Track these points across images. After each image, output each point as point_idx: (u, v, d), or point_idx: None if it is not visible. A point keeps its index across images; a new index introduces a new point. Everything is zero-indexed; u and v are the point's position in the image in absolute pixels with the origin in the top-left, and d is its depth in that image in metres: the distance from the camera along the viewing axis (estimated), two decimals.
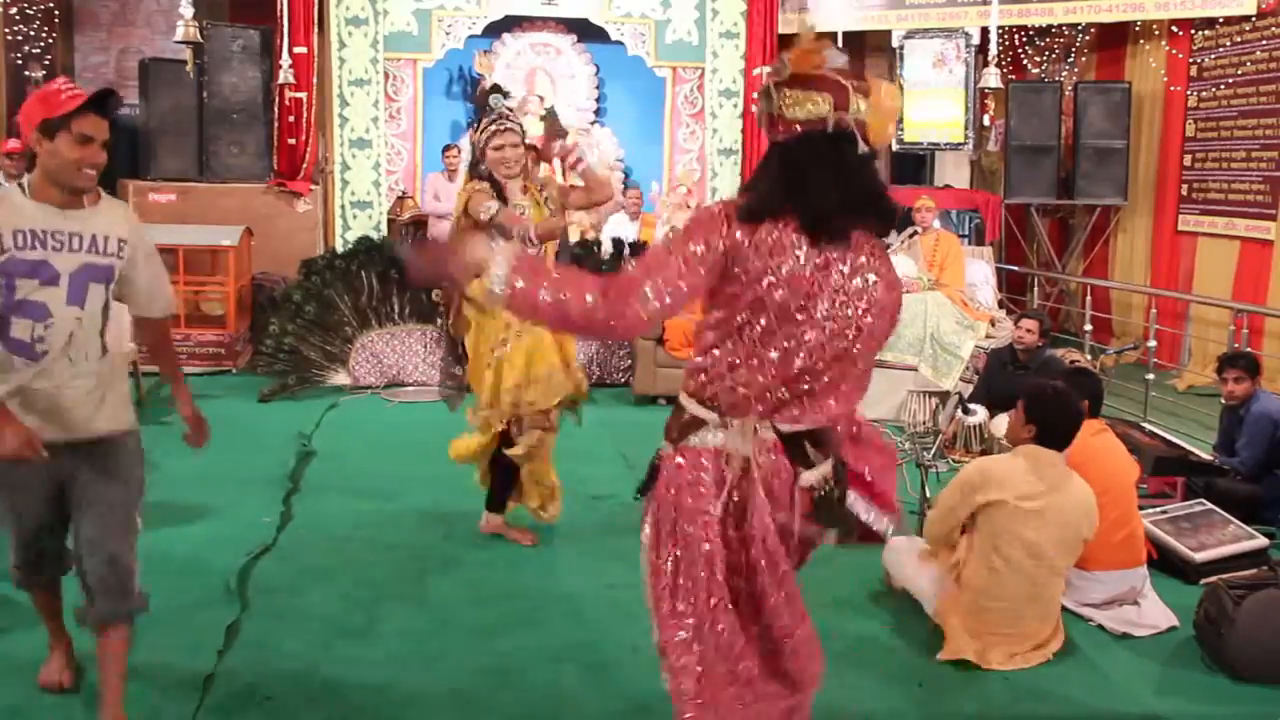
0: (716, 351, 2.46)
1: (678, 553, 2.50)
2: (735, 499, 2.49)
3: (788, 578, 2.59)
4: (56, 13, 10.46)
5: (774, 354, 2.42)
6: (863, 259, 2.46)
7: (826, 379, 2.47)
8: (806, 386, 2.46)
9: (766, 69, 2.60)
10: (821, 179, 2.40)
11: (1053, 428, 4.05)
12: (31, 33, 10.06)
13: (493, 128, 4.85)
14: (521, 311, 2.52)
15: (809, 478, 2.54)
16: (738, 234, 2.39)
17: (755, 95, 2.48)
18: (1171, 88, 10.12)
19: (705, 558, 2.47)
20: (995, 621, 3.99)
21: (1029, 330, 6.75)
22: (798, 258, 2.39)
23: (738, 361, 2.44)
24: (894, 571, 4.49)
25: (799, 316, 2.40)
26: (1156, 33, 10.21)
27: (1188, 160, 9.99)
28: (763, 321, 2.41)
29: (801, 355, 2.42)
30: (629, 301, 2.34)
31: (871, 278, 2.46)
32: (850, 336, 2.45)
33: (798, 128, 2.43)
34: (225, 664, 3.80)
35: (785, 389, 2.45)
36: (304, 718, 3.48)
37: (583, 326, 2.38)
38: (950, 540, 4.22)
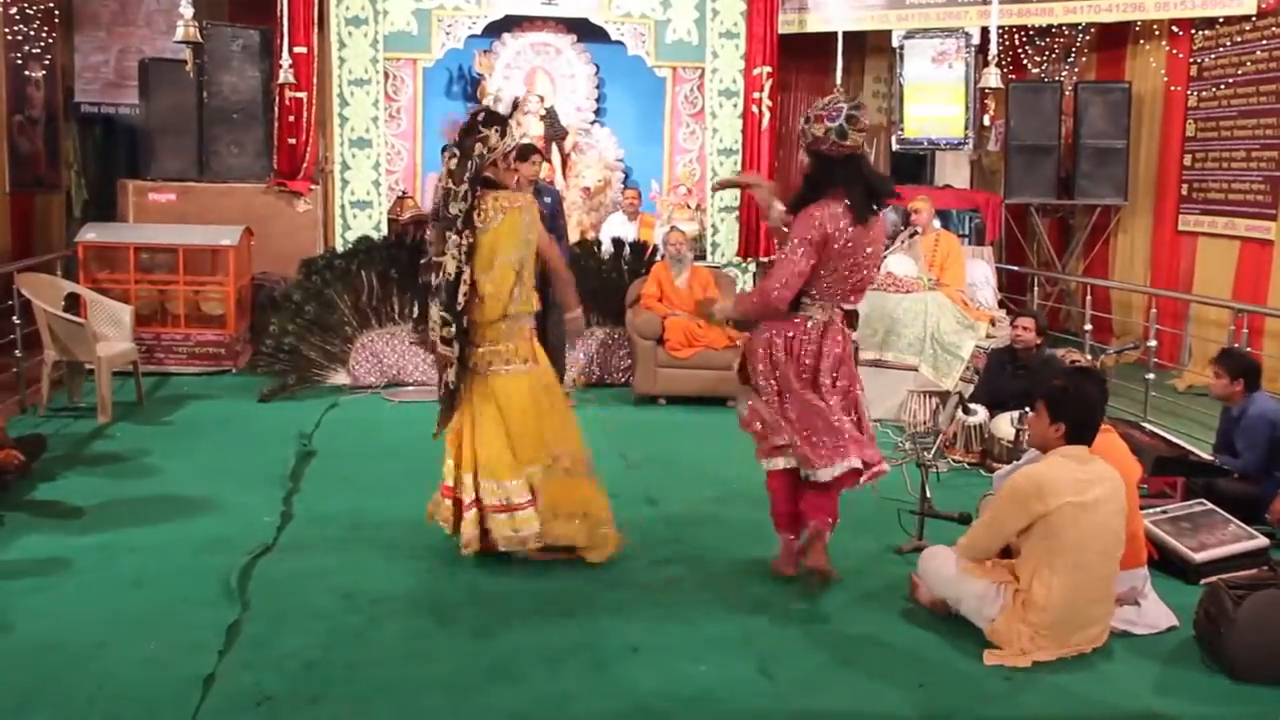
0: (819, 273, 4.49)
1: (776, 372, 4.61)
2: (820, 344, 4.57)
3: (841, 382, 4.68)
4: (56, 12, 10.46)
5: (842, 275, 4.51)
6: (876, 224, 4.57)
7: (858, 285, 4.61)
8: (852, 288, 4.58)
9: (844, 111, 4.44)
10: (867, 179, 4.56)
11: (1081, 422, 4.09)
12: (31, 32, 10.06)
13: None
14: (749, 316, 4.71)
15: (852, 333, 4.74)
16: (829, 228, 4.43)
17: (826, 126, 4.43)
18: (1171, 88, 10.11)
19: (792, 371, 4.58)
20: (1071, 630, 3.99)
21: (1025, 328, 6.74)
22: (849, 230, 4.44)
23: (825, 278, 4.50)
24: (935, 586, 4.33)
25: (852, 259, 4.50)
26: (1156, 33, 10.20)
27: (1188, 160, 9.99)
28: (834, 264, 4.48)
29: (852, 276, 4.54)
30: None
31: (876, 234, 4.59)
32: (869, 266, 4.61)
33: (846, 150, 4.46)
34: (225, 663, 3.80)
35: (845, 289, 4.57)
36: (304, 718, 3.48)
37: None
38: (992, 554, 4.18)
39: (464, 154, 4.68)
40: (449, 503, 4.88)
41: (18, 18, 9.92)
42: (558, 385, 5.05)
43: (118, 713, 3.46)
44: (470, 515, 4.77)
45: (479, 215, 4.66)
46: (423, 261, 4.88)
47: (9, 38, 9.95)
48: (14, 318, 7.41)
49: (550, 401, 4.89)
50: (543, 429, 4.81)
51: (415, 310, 4.97)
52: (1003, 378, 6.74)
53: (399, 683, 3.72)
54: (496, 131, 4.71)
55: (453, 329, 4.65)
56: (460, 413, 4.81)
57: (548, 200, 7.42)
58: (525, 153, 7.65)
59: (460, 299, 4.63)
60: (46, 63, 10.66)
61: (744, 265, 10.18)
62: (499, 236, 4.67)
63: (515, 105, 5.08)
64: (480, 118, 4.77)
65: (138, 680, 3.66)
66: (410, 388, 8.20)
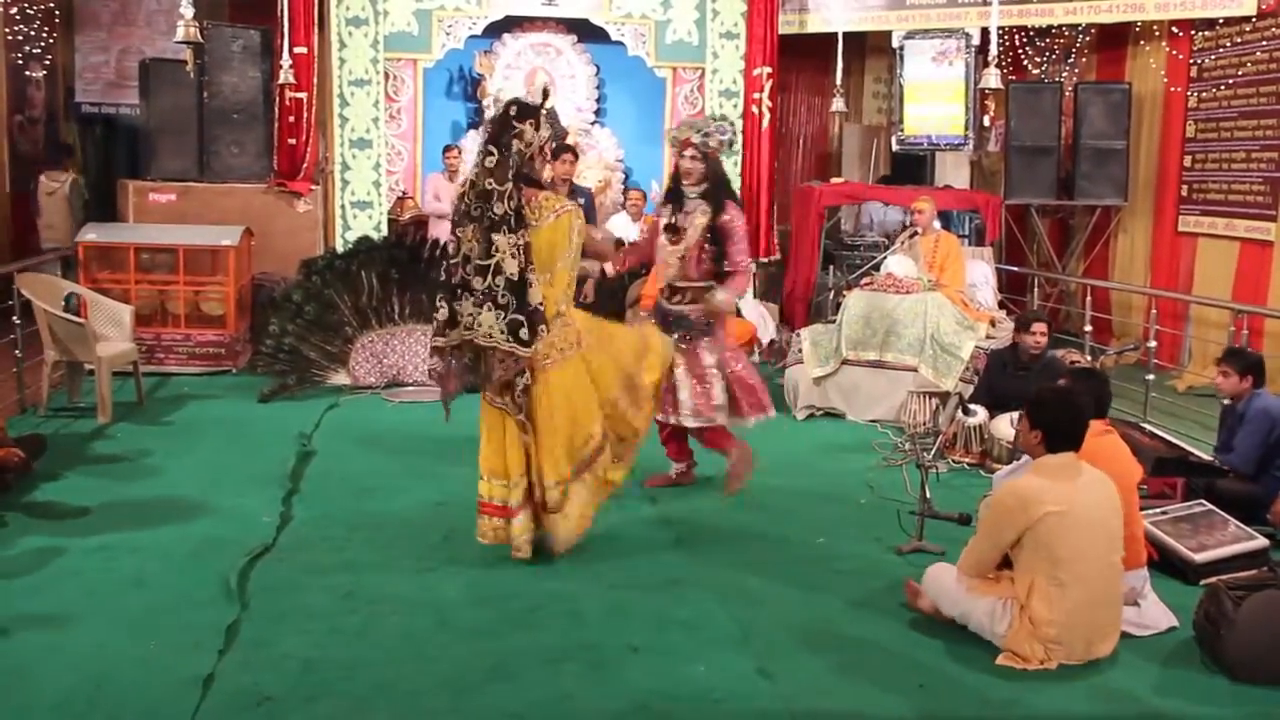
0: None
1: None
2: None
3: None
4: (57, 13, 10.47)
5: None
6: None
7: None
8: None
9: (730, 132, 5.78)
10: None
11: (1059, 430, 4.07)
12: (32, 32, 10.07)
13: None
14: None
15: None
16: None
17: (720, 140, 5.61)
18: (1171, 88, 10.12)
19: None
20: (1082, 640, 3.97)
21: (1042, 334, 6.72)
22: None
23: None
24: (942, 605, 4.27)
25: None
26: (1156, 33, 10.20)
27: (1188, 161, 9.99)
28: None
29: None
30: None
31: None
32: None
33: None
34: (225, 664, 3.80)
35: None
36: (303, 718, 3.48)
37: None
38: (990, 569, 4.14)
39: (502, 151, 4.55)
40: (498, 520, 4.81)
41: (18, 18, 9.93)
42: (603, 329, 5.09)
43: (117, 712, 3.46)
44: (521, 520, 4.76)
45: (532, 213, 4.61)
46: (450, 262, 4.69)
47: (10, 38, 9.96)
48: (14, 318, 7.41)
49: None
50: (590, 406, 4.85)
51: (443, 313, 4.71)
52: (1003, 378, 6.73)
53: (398, 683, 3.72)
54: (531, 125, 4.63)
55: (529, 332, 4.54)
56: (500, 417, 4.72)
57: (581, 201, 7.41)
58: (559, 150, 7.64)
59: (531, 299, 4.54)
60: (47, 63, 10.69)
61: None
62: (557, 237, 4.65)
63: (545, 94, 4.98)
64: (513, 111, 4.64)
65: (137, 680, 3.66)
66: (410, 388, 8.20)
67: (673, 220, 5.69)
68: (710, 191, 5.68)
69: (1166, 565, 4.85)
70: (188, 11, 5.73)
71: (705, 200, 5.66)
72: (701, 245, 5.64)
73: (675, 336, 5.57)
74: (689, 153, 5.64)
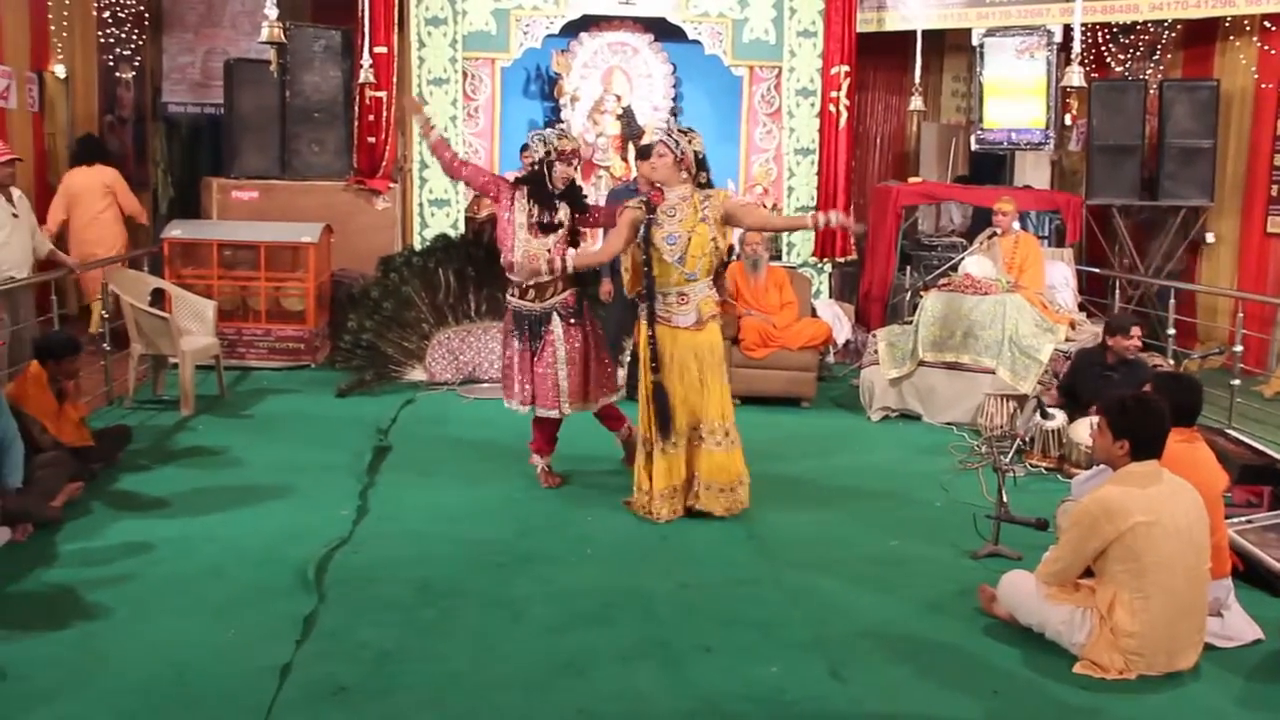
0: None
1: None
2: None
3: None
4: (146, 15, 10.71)
5: None
6: None
7: None
8: None
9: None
10: None
11: (1146, 438, 3.98)
12: (122, 35, 10.31)
13: None
14: None
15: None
16: None
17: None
18: (1262, 85, 9.85)
19: None
20: (1164, 652, 3.89)
21: (1139, 338, 6.64)
22: None
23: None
24: (1018, 613, 4.22)
25: None
26: (1247, 28, 9.94)
27: (1278, 160, 9.73)
28: None
29: None
30: None
31: None
32: None
33: None
34: (302, 654, 3.86)
35: None
36: (377, 708, 3.52)
37: None
38: (1072, 579, 4.08)
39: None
40: None
41: (110, 21, 10.17)
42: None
43: (197, 699, 3.53)
44: None
45: None
46: None
47: (101, 40, 10.21)
48: (102, 312, 7.60)
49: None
50: None
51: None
52: (1089, 378, 6.62)
53: (471, 676, 3.75)
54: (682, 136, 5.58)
55: None
56: None
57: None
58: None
59: None
60: (136, 64, 10.93)
61: (820, 265, 10.11)
62: None
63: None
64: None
65: (216, 668, 3.74)
66: (485, 385, 8.26)
67: (544, 219, 5.83)
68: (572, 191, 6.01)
69: (1252, 576, 4.73)
70: (271, 12, 5.82)
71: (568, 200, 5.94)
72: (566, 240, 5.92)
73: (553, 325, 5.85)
74: (577, 161, 5.96)
